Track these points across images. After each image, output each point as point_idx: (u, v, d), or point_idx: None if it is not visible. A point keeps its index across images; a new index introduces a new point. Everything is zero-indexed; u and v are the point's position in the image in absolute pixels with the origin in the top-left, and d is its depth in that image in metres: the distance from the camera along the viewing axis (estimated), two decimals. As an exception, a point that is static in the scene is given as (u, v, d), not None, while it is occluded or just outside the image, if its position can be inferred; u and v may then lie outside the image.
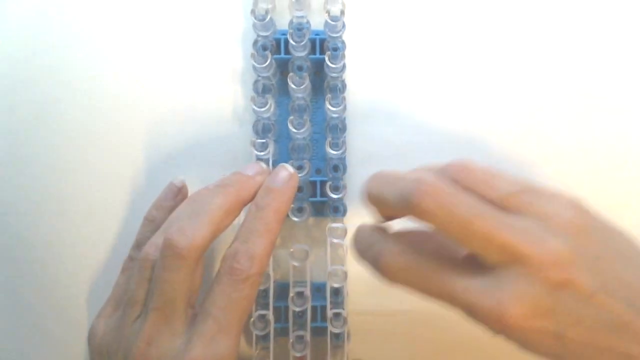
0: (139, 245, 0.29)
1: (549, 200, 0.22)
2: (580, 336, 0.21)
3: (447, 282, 0.21)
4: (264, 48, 0.31)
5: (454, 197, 0.21)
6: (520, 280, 0.20)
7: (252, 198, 0.28)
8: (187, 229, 0.26)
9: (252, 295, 0.26)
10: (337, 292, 0.31)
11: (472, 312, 0.21)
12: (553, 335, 0.21)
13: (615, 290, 0.21)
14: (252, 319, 0.29)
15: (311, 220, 0.32)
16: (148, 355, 0.25)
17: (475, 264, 0.21)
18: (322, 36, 0.32)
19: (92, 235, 0.32)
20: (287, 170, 0.29)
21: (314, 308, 0.31)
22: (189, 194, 0.31)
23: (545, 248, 0.21)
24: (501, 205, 0.22)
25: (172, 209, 0.29)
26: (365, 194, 0.24)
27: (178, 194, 0.30)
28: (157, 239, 0.27)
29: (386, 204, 0.23)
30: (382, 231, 0.24)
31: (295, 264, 0.31)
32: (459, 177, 0.22)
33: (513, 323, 0.20)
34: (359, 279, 0.32)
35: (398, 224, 0.25)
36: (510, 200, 0.22)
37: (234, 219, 0.28)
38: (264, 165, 0.30)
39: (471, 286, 0.21)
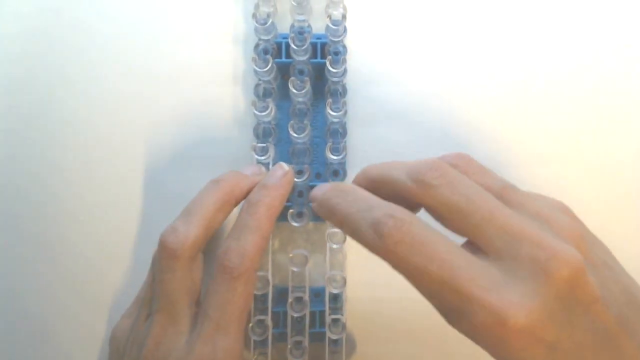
0: None
1: (543, 202, 0.21)
2: (571, 348, 0.19)
3: (452, 267, 0.19)
4: (265, 52, 0.31)
5: (463, 180, 0.20)
6: (531, 278, 0.18)
7: (245, 196, 0.28)
8: (179, 228, 0.26)
9: (246, 292, 0.26)
10: (336, 298, 0.30)
11: (471, 310, 0.18)
12: (547, 346, 0.19)
13: (608, 300, 0.20)
14: (250, 324, 0.29)
15: (311, 225, 0.32)
16: (157, 355, 0.26)
17: (482, 259, 0.19)
18: (323, 40, 0.32)
19: (92, 237, 0.32)
20: (282, 168, 0.29)
21: (312, 313, 0.31)
22: (190, 198, 0.31)
23: (560, 244, 0.19)
24: (498, 196, 0.21)
25: None
26: (364, 175, 0.23)
27: None
28: None
29: (391, 184, 0.22)
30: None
31: (295, 269, 0.30)
32: (457, 165, 0.22)
33: (514, 329, 0.18)
34: (358, 285, 0.32)
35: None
36: (505, 192, 0.21)
37: (226, 215, 0.28)
38: (262, 168, 0.30)
39: (478, 279, 0.18)
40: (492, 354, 0.19)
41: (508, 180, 0.22)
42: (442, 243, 0.19)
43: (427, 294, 0.20)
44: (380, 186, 0.22)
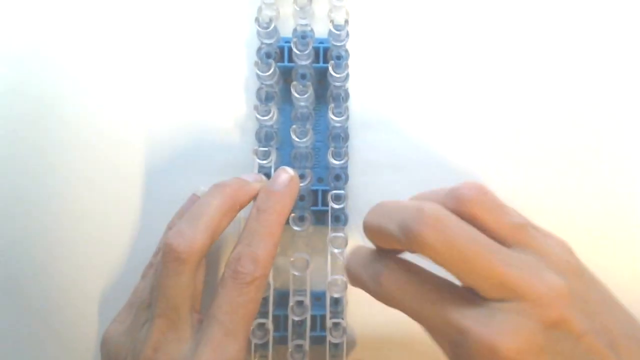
0: (159, 252, 0.30)
1: (546, 238, 0.22)
2: None
3: (443, 306, 0.21)
4: (268, 56, 0.31)
5: (455, 230, 0.21)
6: (517, 316, 0.20)
7: (249, 202, 0.28)
8: (186, 232, 0.26)
9: (257, 298, 0.26)
10: (336, 302, 0.31)
11: (464, 340, 0.20)
12: None
13: (601, 333, 0.21)
14: (251, 328, 0.29)
15: (312, 229, 0.32)
16: None
17: (472, 295, 0.21)
18: (325, 45, 0.32)
19: (92, 237, 0.32)
20: (287, 173, 0.29)
21: (313, 317, 0.31)
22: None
23: (544, 286, 0.20)
24: (502, 238, 0.21)
25: None
26: (364, 226, 0.24)
27: None
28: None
29: (386, 235, 0.22)
30: (381, 253, 0.24)
31: (296, 273, 0.30)
32: (461, 206, 0.22)
33: (506, 357, 0.19)
34: (359, 289, 0.32)
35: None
36: (511, 234, 0.22)
37: (230, 221, 0.28)
38: (263, 176, 0.30)
39: (468, 314, 0.20)
40: None
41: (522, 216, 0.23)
42: (433, 283, 0.22)
43: (427, 329, 0.22)
44: (375, 235, 0.23)
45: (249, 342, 0.29)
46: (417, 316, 0.22)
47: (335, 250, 0.30)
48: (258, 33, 0.31)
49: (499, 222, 0.22)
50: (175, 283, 0.26)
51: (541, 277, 0.20)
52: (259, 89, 0.31)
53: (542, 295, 0.20)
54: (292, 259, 0.31)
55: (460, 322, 0.20)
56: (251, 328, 0.27)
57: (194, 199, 0.31)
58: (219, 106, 0.33)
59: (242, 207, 0.28)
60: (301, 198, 0.31)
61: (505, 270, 0.20)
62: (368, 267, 0.23)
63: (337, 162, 0.30)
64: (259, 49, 0.31)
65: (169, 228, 0.30)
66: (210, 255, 0.31)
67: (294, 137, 0.30)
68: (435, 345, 0.32)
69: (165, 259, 0.26)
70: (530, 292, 0.20)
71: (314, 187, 0.31)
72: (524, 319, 0.20)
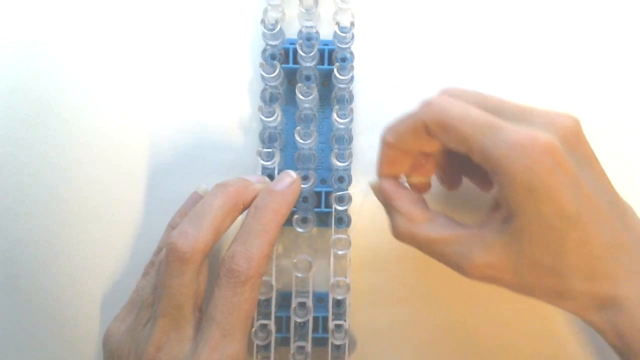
0: (160, 251, 0.30)
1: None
2: (589, 196, 0.23)
3: (487, 117, 0.23)
4: (273, 57, 0.31)
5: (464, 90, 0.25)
6: (541, 125, 0.23)
7: (252, 202, 0.28)
8: (189, 232, 0.26)
9: (253, 298, 0.26)
10: (339, 304, 0.31)
11: (504, 133, 0.23)
12: (570, 179, 0.22)
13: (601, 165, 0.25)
14: (253, 329, 0.29)
15: (315, 230, 0.32)
16: None
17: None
18: (330, 47, 0.32)
19: (93, 237, 0.32)
20: (290, 175, 0.29)
21: (315, 319, 0.31)
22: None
23: (555, 112, 0.24)
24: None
25: None
26: (384, 143, 0.27)
27: None
28: None
29: (406, 134, 0.26)
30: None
31: (299, 274, 0.30)
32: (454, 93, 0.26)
33: (541, 144, 0.22)
34: (361, 291, 0.32)
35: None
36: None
37: (233, 221, 0.28)
38: (266, 178, 0.30)
39: (506, 124, 0.23)
40: (522, 180, 0.22)
41: None
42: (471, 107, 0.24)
43: (469, 143, 0.24)
44: (399, 142, 0.26)
45: (251, 343, 0.29)
46: (467, 140, 0.23)
47: (339, 252, 0.30)
48: (263, 34, 0.31)
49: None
50: (178, 283, 0.26)
51: (549, 109, 0.24)
52: (263, 90, 0.31)
53: (556, 115, 0.24)
54: (295, 261, 0.31)
55: (500, 123, 0.23)
56: (250, 327, 0.27)
57: (195, 197, 0.31)
58: (223, 107, 0.33)
59: (245, 207, 0.28)
60: (304, 199, 0.31)
61: (517, 102, 0.24)
62: (409, 116, 0.26)
63: (340, 164, 0.31)
64: (264, 50, 0.31)
65: (170, 226, 0.30)
66: (212, 254, 0.31)
67: (297, 138, 0.30)
68: (436, 348, 0.32)
69: (169, 258, 0.26)
70: (544, 113, 0.24)
71: (317, 189, 0.31)
72: (546, 127, 0.23)
